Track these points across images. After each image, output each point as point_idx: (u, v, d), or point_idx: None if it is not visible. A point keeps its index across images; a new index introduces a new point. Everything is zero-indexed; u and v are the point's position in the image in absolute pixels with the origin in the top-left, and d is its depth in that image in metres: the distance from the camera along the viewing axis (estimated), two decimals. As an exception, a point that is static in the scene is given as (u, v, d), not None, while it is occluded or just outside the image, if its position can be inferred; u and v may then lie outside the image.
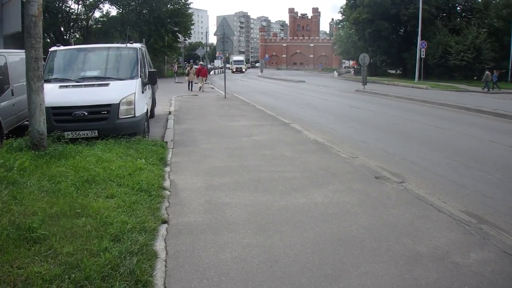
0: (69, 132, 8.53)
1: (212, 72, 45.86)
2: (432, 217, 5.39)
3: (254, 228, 4.89)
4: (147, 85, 10.91)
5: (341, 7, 68.91)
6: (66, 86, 9.25)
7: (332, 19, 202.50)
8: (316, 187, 6.49)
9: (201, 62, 39.18)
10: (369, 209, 5.61)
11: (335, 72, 72.39)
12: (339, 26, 78.13)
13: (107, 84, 9.30)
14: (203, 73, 28.51)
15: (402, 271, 3.97)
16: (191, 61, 55.14)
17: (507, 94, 29.62)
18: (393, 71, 63.93)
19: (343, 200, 5.95)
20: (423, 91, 30.39)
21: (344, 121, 14.49)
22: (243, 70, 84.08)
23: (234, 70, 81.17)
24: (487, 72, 35.02)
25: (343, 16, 68.50)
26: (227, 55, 26.95)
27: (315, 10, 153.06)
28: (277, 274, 3.86)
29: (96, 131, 8.69)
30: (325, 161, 8.20)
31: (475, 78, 45.83)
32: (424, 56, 40.24)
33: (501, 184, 7.35)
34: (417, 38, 40.00)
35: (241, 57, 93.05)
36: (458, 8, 54.17)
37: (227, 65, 77.57)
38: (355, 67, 63.67)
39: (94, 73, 10.06)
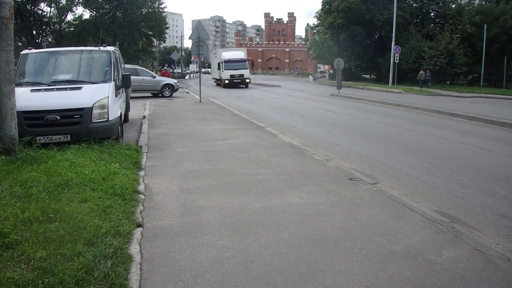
0: (41, 137, 8.37)
1: (187, 77, 45.15)
2: (405, 216, 5.48)
3: (229, 230, 4.89)
4: (121, 89, 10.80)
5: (317, 12, 69.71)
6: (38, 90, 9.08)
7: (308, 24, 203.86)
8: (291, 189, 6.52)
9: (165, 67, 39.59)
10: (343, 210, 5.67)
11: (310, 76, 72.68)
12: (315, 31, 78.88)
13: (79, 88, 9.17)
14: (166, 77, 28.56)
15: (376, 269, 4.03)
16: (166, 65, 54.89)
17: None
18: (368, 76, 64.87)
19: (317, 201, 6.00)
20: (397, 95, 30.85)
21: (319, 125, 14.59)
22: (246, 80, 41.07)
23: (227, 81, 39.99)
24: (421, 71, 38.93)
25: (318, 21, 69.54)
26: (201, 59, 26.78)
27: (291, 15, 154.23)
28: (253, 275, 3.87)
29: (68, 136, 8.55)
30: (300, 163, 8.25)
31: (448, 82, 46.87)
32: (398, 61, 40.87)
33: (473, 185, 7.51)
34: (391, 43, 40.58)
35: (240, 53, 44.07)
36: (432, 14, 55.37)
37: (207, 70, 68.37)
38: (330, 71, 64.36)
39: (67, 77, 9.90)
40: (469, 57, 46.65)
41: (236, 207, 5.69)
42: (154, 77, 26.43)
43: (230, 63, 40.20)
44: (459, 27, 52.07)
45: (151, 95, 25.82)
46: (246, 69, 41.30)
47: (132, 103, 17.26)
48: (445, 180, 7.77)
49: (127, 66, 30.51)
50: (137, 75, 25.39)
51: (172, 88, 25.90)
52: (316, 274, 3.90)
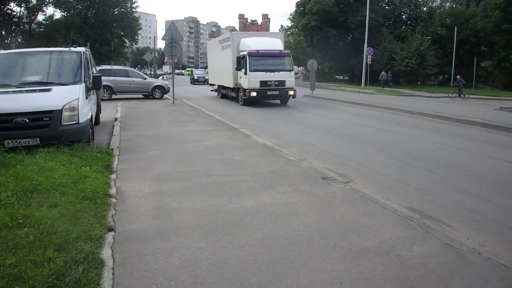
0: (9, 141, 8.15)
1: (160, 78, 44.55)
2: (377, 214, 5.55)
3: (203, 232, 4.86)
4: (92, 91, 10.61)
5: (291, 14, 70.09)
6: (6, 92, 8.84)
7: (282, 25, 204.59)
8: (264, 190, 6.53)
9: (136, 68, 37.67)
10: (316, 209, 5.71)
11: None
12: (288, 32, 79.10)
13: (49, 90, 8.97)
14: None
15: (349, 266, 4.07)
16: (138, 66, 54.34)
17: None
18: (341, 77, 65.48)
19: (291, 201, 6.02)
20: (369, 95, 31.23)
21: (293, 126, 14.66)
22: (290, 92, 21.50)
23: (254, 93, 20.82)
24: (382, 72, 39.67)
25: (292, 23, 69.87)
26: (175, 60, 26.57)
27: (265, 17, 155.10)
28: (227, 276, 3.86)
29: (38, 139, 8.34)
30: (274, 164, 8.26)
31: (419, 83, 47.79)
32: (370, 62, 41.42)
33: (444, 182, 7.67)
34: (364, 45, 41.07)
35: (276, 41, 22.77)
36: (404, 17, 56.30)
37: (180, 71, 65.91)
38: (304, 72, 64.64)
39: (36, 78, 9.68)
40: (440, 59, 47.76)
41: (210, 209, 5.65)
42: (145, 78, 26.17)
43: (260, 59, 20.75)
44: (430, 29, 53.27)
45: (142, 96, 25.57)
46: (290, 70, 21.80)
47: (104, 105, 17.00)
48: (417, 178, 7.91)
49: (117, 67, 30.31)
50: (128, 76, 25.39)
51: (163, 90, 25.70)
52: (290, 273, 3.91)
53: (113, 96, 24.20)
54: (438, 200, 6.58)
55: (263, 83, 20.74)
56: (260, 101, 21.82)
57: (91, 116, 9.78)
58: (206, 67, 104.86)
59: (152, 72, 58.31)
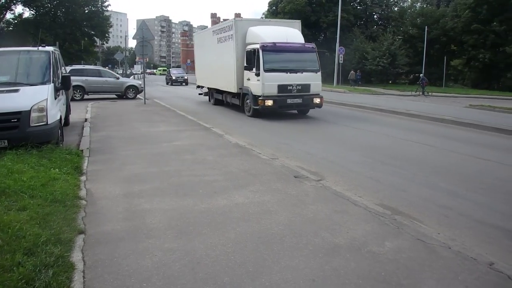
0: (-24, 143, 7.94)
1: (131, 78, 42.99)
2: (349, 211, 5.61)
3: (175, 233, 4.82)
4: (61, 91, 10.42)
5: (263, 13, 70.06)
6: None
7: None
8: (237, 189, 6.52)
9: (102, 68, 36.14)
10: (289, 207, 5.74)
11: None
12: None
13: (16, 90, 8.76)
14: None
15: (322, 263, 4.11)
16: (109, 66, 53.49)
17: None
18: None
19: (263, 199, 6.03)
20: (341, 94, 31.50)
21: (264, 125, 14.66)
22: (316, 100, 16.00)
23: (269, 102, 15.28)
24: (351, 71, 41.04)
25: (264, 22, 69.76)
26: (146, 59, 26.23)
27: (238, 15, 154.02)
28: (199, 276, 3.84)
29: (5, 141, 8.13)
30: (246, 163, 8.27)
31: (390, 82, 48.55)
32: (342, 62, 41.78)
33: (415, 178, 7.81)
34: (336, 45, 41.40)
35: (294, 32, 17.08)
36: (375, 16, 57.19)
37: (152, 71, 62.54)
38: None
39: (3, 79, 9.43)
40: (411, 58, 48.69)
41: (182, 209, 5.61)
42: (118, 78, 25.77)
43: (278, 55, 15.74)
44: (401, 29, 54.22)
45: (115, 96, 25.19)
46: (317, 71, 16.31)
47: (75, 105, 16.73)
48: (388, 174, 8.04)
49: (90, 67, 29.70)
50: (101, 76, 24.94)
51: (136, 90, 25.31)
52: (263, 272, 3.92)
53: (86, 96, 23.76)
54: (409, 196, 6.70)
55: (282, 88, 15.21)
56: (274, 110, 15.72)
57: (60, 117, 9.59)
58: (179, 66, 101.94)
59: (124, 71, 57.38)
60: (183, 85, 45.85)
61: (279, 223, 5.14)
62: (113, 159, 8.61)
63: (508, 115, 19.19)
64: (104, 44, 73.38)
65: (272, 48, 15.28)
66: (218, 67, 19.63)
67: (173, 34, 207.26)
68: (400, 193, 6.85)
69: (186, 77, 47.92)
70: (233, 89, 17.48)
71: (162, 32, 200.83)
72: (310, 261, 4.15)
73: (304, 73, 15.75)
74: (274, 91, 15.21)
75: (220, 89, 19.79)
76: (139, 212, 5.53)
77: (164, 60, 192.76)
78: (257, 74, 15.25)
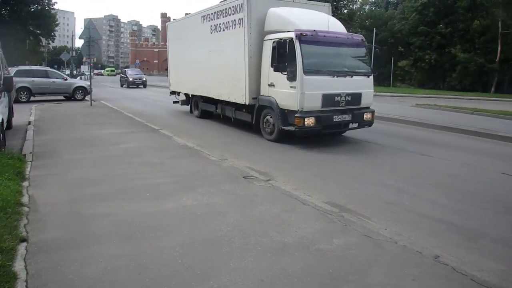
0: None
1: (78, 78, 40.56)
2: (298, 210, 5.68)
3: (122, 238, 4.71)
4: (2, 93, 9.99)
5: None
6: None
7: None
8: (185, 191, 6.45)
9: (49, 68, 34.27)
10: (238, 208, 5.74)
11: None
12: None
13: None
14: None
15: (270, 263, 4.13)
16: (55, 66, 51.62)
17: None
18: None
19: (212, 201, 6.00)
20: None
21: (214, 126, 14.53)
22: (366, 115, 11.37)
23: (311, 122, 10.23)
24: None
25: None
26: (93, 60, 25.56)
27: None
28: (146, 281, 3.77)
29: None
30: (195, 165, 8.20)
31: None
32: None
33: (362, 176, 8.01)
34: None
35: (335, 22, 11.85)
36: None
37: (99, 71, 59.33)
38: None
39: None
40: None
41: (128, 214, 5.49)
42: (66, 79, 24.89)
43: (321, 49, 10.71)
44: (351, 30, 55.13)
45: (63, 98, 24.34)
46: (369, 74, 11.57)
47: (19, 108, 16.04)
48: (336, 173, 8.21)
49: (37, 67, 28.33)
50: (48, 77, 24.02)
51: (85, 91, 24.53)
52: (212, 274, 3.90)
53: (32, 98, 22.82)
54: (356, 194, 6.84)
55: (327, 99, 10.47)
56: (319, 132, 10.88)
57: (2, 120, 9.21)
58: (128, 67, 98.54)
59: (72, 72, 55.54)
60: (139, 87, 42.54)
61: (228, 224, 5.13)
62: (57, 163, 8.31)
63: (453, 113, 19.96)
64: (50, 44, 70.89)
65: (313, 39, 10.35)
66: (211, 67, 14.19)
67: (122, 34, 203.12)
68: (348, 191, 6.99)
69: (145, 79, 44.37)
70: (241, 98, 12.13)
71: (111, 31, 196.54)
72: (259, 261, 4.16)
73: (354, 78, 10.96)
74: (317, 104, 10.34)
75: (216, 98, 14.10)
76: (84, 217, 5.36)
77: (112, 60, 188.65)
78: (291, 78, 10.22)
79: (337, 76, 10.55)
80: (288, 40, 10.23)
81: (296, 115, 10.19)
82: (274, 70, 10.75)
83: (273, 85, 10.96)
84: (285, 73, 10.31)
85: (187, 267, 4.04)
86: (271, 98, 11.06)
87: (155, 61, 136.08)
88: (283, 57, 10.33)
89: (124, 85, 44.20)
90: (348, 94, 10.73)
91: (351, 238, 4.80)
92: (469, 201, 6.64)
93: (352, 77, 10.87)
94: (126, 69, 53.13)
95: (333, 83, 10.50)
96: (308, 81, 10.11)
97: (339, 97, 10.58)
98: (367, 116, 11.37)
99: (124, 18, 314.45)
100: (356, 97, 10.97)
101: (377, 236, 4.85)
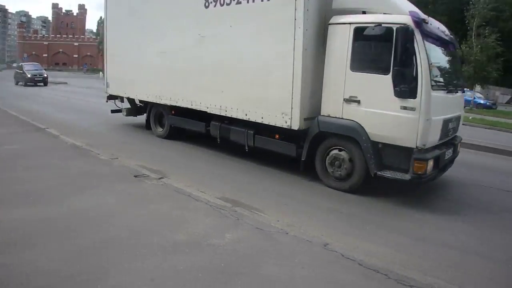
0: None
1: None
2: (190, 206, 5.72)
3: (3, 247, 4.34)
4: None
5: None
6: None
7: (101, 17, 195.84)
8: (75, 193, 6.13)
9: None
10: (129, 208, 5.63)
11: (100, 73, 69.27)
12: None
13: None
14: None
15: (160, 261, 4.13)
16: None
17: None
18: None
19: (103, 202, 5.81)
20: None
21: (107, 123, 14.06)
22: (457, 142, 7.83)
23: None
24: None
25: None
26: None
27: (82, 7, 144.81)
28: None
29: None
30: (84, 165, 7.83)
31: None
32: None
33: (256, 171, 8.21)
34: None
35: None
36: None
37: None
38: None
39: None
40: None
41: (7, 223, 4.99)
42: None
43: (433, 48, 6.84)
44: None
45: None
46: (464, 87, 8.70)
47: None
48: (231, 169, 8.36)
49: None
50: None
51: None
52: (101, 278, 3.79)
53: None
54: (249, 188, 7.05)
55: (445, 128, 7.06)
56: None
57: None
58: (14, 61, 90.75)
59: None
60: (40, 85, 35.69)
61: (119, 225, 5.02)
62: None
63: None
64: None
65: (431, 33, 6.78)
66: (205, 62, 9.16)
67: (9, 25, 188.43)
68: (241, 186, 7.18)
69: (46, 75, 37.68)
70: (277, 118, 7.67)
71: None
72: (149, 260, 4.13)
73: (459, 93, 7.86)
74: (436, 137, 6.81)
75: (213, 112, 9.13)
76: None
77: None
78: (404, 93, 6.29)
79: (449, 92, 7.23)
80: (396, 29, 6.29)
81: (416, 156, 6.33)
82: (368, 72, 6.71)
83: (357, 101, 6.82)
84: (397, 85, 6.32)
85: (77, 274, 3.87)
86: (350, 122, 6.92)
87: (44, 55, 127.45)
88: (381, 56, 6.59)
89: (21, 82, 36.89)
90: (456, 118, 7.65)
91: (243, 231, 4.93)
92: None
93: (457, 92, 7.65)
94: (23, 64, 43.41)
95: (446, 102, 7.07)
96: (435, 100, 6.39)
97: (451, 123, 7.33)
98: (459, 147, 8.21)
99: (12, 8, 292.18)
100: (458, 122, 7.92)
101: (269, 228, 5.04)
